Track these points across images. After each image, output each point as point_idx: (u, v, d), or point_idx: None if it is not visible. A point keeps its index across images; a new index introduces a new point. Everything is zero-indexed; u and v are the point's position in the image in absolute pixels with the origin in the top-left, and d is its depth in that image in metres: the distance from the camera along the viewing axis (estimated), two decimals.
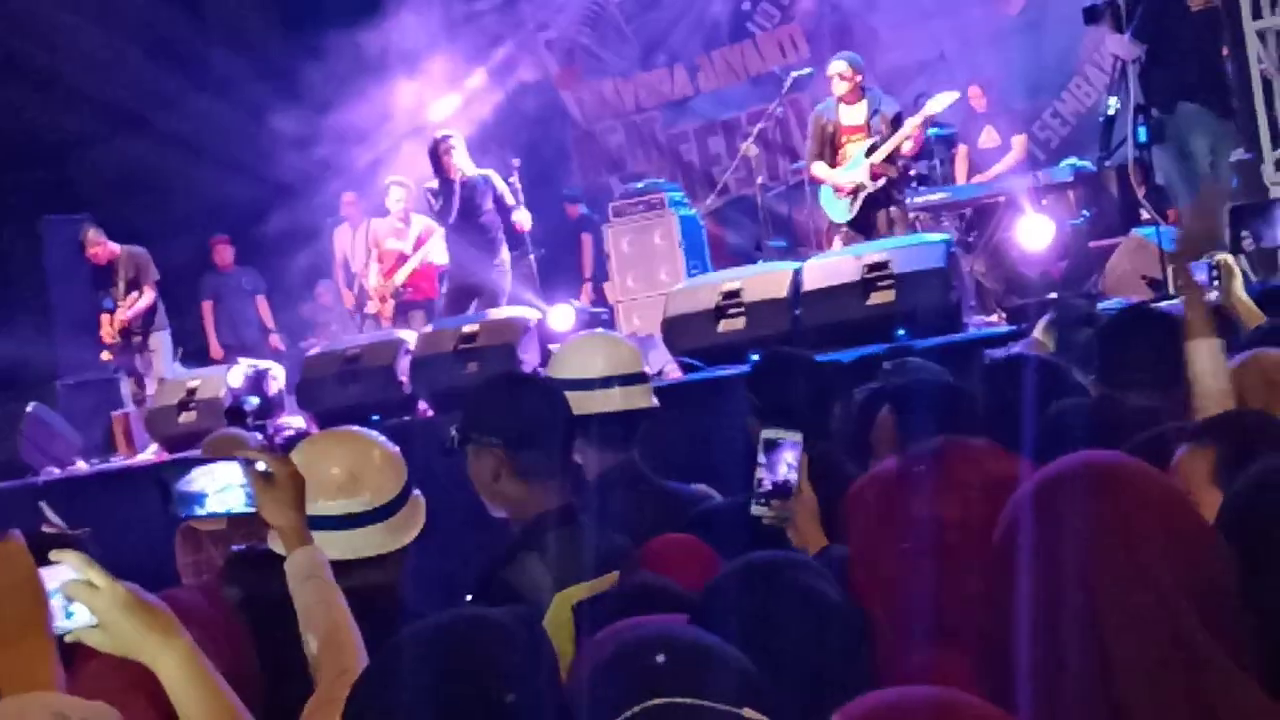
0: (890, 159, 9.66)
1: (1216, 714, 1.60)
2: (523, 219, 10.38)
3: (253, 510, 2.65)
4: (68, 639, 2.08)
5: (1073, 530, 1.70)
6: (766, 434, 3.14)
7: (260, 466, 2.65)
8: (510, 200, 10.38)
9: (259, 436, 4.66)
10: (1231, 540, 1.77)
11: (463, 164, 10.25)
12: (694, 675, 1.64)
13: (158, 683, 2.08)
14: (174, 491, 2.62)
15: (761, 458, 3.12)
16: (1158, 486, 1.76)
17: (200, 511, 2.69)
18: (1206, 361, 3.62)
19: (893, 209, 9.71)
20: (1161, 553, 1.67)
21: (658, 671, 1.64)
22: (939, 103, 10.02)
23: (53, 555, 2.09)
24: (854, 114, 9.81)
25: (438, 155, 10.31)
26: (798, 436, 3.13)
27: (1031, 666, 1.63)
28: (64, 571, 2.07)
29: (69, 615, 2.07)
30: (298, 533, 2.65)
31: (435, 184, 10.38)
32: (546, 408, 3.41)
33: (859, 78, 9.79)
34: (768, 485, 3.11)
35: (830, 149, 9.83)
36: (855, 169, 9.66)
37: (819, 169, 9.91)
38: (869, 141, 9.66)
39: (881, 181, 9.64)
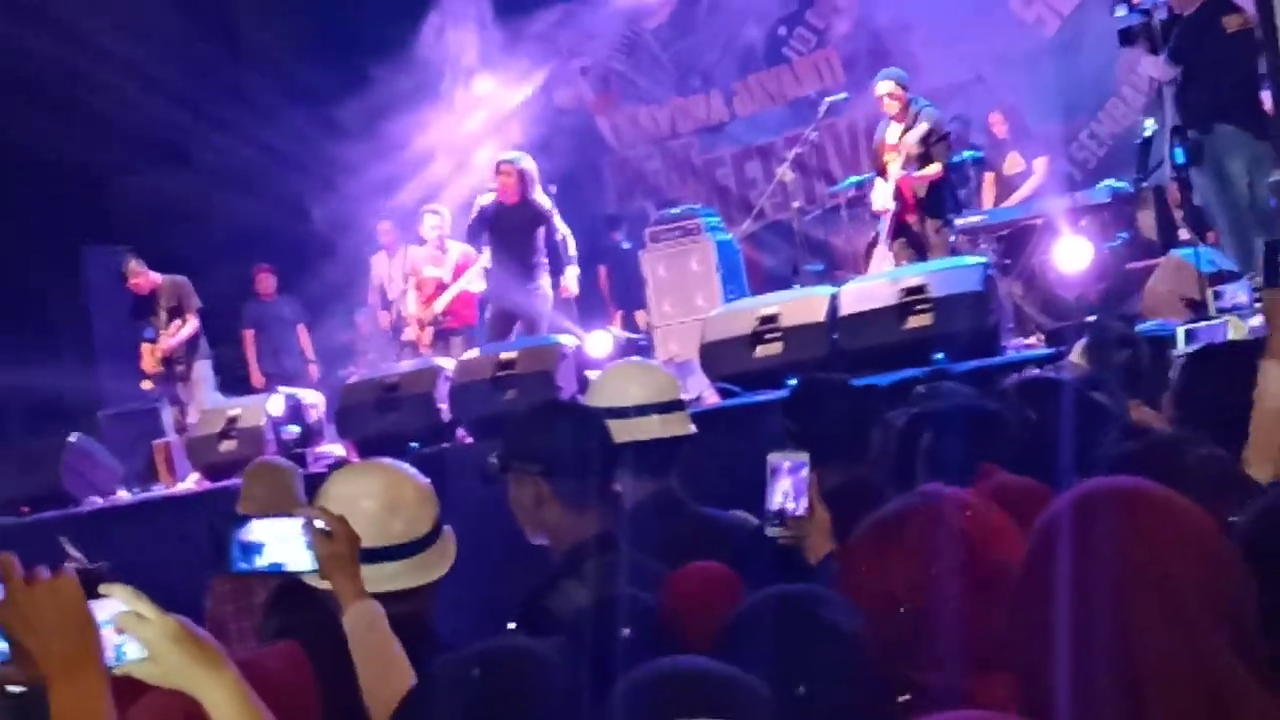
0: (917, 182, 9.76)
1: None
2: (569, 283, 10.45)
3: (313, 565, 2.70)
4: (116, 672, 2.08)
5: (1103, 561, 1.70)
6: (773, 456, 3.18)
7: (319, 524, 2.69)
8: (567, 236, 10.48)
9: (296, 466, 4.69)
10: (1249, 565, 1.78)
11: (513, 190, 10.31)
12: (709, 704, 1.65)
13: (205, 716, 2.09)
14: (234, 541, 2.65)
15: (770, 479, 3.15)
16: (1187, 514, 1.76)
17: (260, 563, 2.71)
18: (1275, 383, 3.59)
19: (933, 234, 9.76)
20: (1193, 584, 1.67)
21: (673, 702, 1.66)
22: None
23: (102, 589, 2.10)
24: (894, 131, 9.89)
25: (495, 176, 10.44)
26: (804, 456, 3.17)
27: (1068, 697, 1.63)
28: (113, 605, 2.08)
29: (119, 649, 2.08)
30: (354, 586, 2.71)
31: (485, 200, 10.49)
32: (587, 435, 3.43)
33: (905, 93, 9.88)
34: (778, 506, 3.14)
35: (876, 166, 10.08)
36: (885, 190, 9.78)
37: (874, 188, 10.15)
38: (899, 158, 9.78)
39: (907, 203, 9.75)
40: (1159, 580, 1.67)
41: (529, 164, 10.54)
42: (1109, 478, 1.87)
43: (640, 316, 12.72)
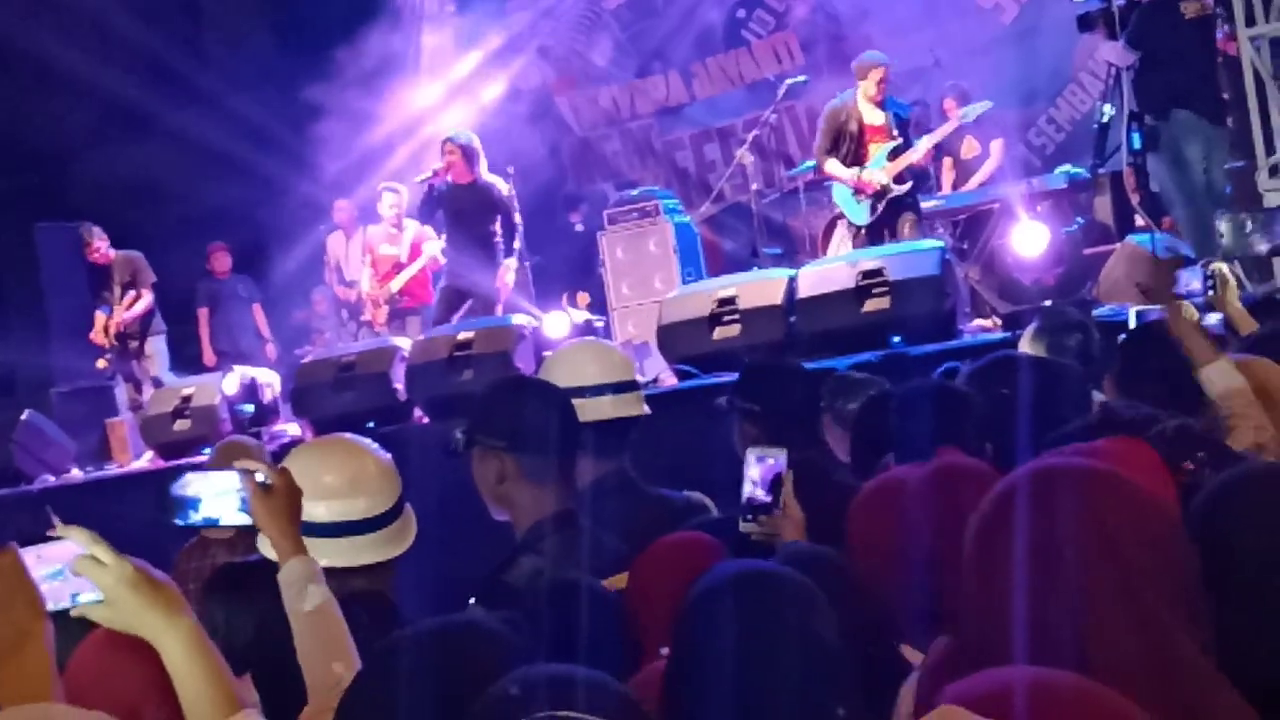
0: (909, 166, 9.69)
1: (1197, 717, 1.62)
2: (507, 276, 10.34)
3: (247, 519, 2.66)
4: (73, 614, 2.10)
5: (1059, 536, 1.71)
6: (752, 452, 3.20)
7: (260, 477, 2.66)
8: (516, 220, 10.38)
9: (263, 445, 4.69)
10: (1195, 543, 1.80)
11: (461, 169, 10.21)
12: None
13: (159, 659, 2.09)
14: (169, 495, 2.63)
15: (748, 476, 3.17)
16: (1141, 494, 1.78)
17: (195, 517, 2.69)
18: (1221, 383, 3.64)
19: (911, 214, 9.69)
20: (1148, 562, 1.69)
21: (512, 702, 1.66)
22: (974, 110, 10.09)
23: (59, 531, 2.11)
24: (877, 114, 9.78)
25: (441, 155, 10.33)
26: (782, 454, 3.19)
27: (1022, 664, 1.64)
28: (70, 548, 2.10)
29: (75, 593, 2.09)
30: (292, 543, 2.66)
31: (422, 178, 10.37)
32: (552, 413, 3.43)
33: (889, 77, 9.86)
34: (755, 502, 3.16)
35: (853, 146, 9.76)
36: (878, 169, 9.62)
37: (833, 165, 9.80)
38: (891, 144, 9.64)
39: (907, 185, 9.64)
40: (1115, 557, 1.69)
41: (474, 141, 10.43)
42: (1064, 455, 1.88)
43: (581, 298, 12.69)
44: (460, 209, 10.25)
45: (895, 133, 9.70)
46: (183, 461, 9.31)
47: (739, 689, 1.89)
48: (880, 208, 9.64)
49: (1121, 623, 1.65)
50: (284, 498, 2.67)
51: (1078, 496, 1.75)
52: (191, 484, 2.66)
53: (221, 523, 2.75)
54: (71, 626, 2.14)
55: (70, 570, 2.08)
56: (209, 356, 12.94)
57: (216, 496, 2.66)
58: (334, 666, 2.51)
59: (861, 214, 9.74)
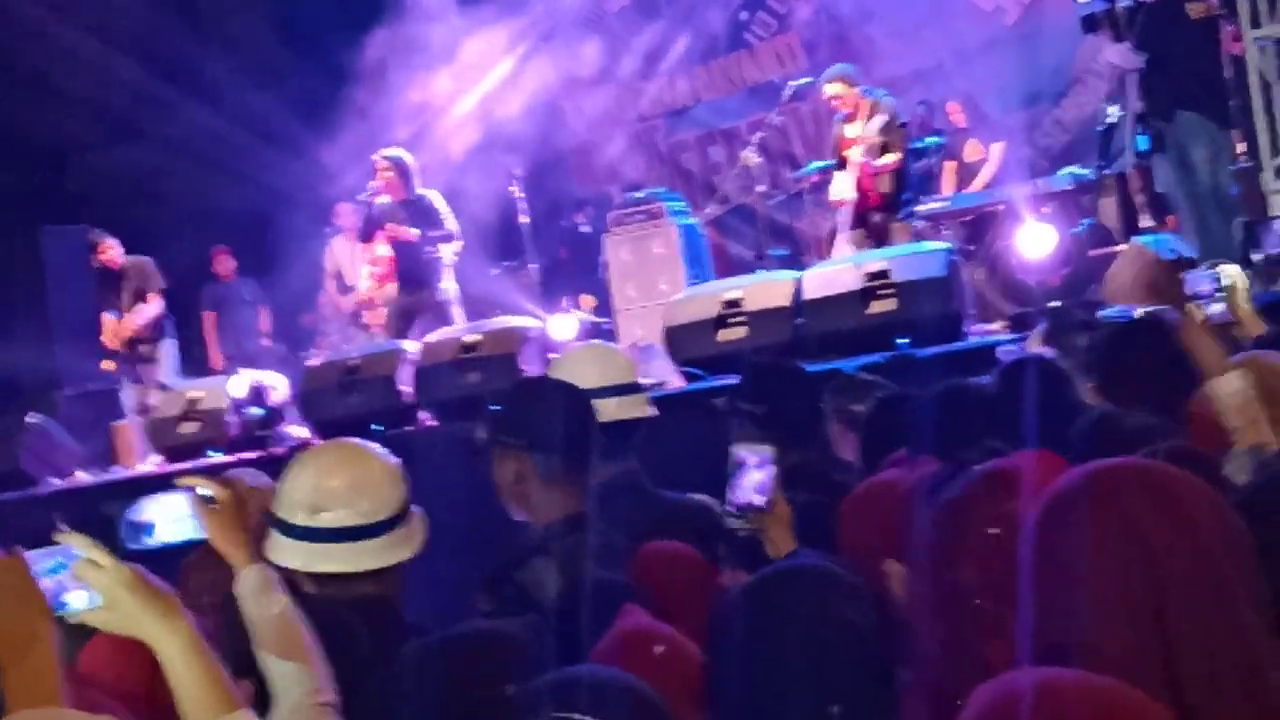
0: (874, 175, 9.72)
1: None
2: (446, 253, 10.33)
3: (203, 537, 2.68)
4: (71, 620, 2.12)
5: (1129, 536, 1.71)
6: (737, 449, 3.20)
7: (203, 492, 2.68)
8: (451, 225, 10.36)
9: (265, 478, 4.71)
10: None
11: (396, 186, 10.24)
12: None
13: (156, 663, 2.11)
14: (122, 522, 2.64)
15: (733, 472, 3.18)
16: (1203, 489, 1.78)
17: (150, 542, 2.71)
18: (1228, 397, 3.61)
19: (894, 224, 9.73)
20: (1224, 556, 1.70)
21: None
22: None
23: (58, 537, 2.14)
24: (852, 126, 9.84)
25: (375, 173, 10.37)
26: (768, 450, 3.19)
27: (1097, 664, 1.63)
28: (68, 553, 2.12)
29: (73, 598, 2.10)
30: (244, 552, 2.67)
31: (363, 198, 10.42)
32: (573, 414, 3.45)
33: (856, 89, 9.83)
34: (741, 499, 3.16)
35: (837, 158, 9.94)
36: (843, 182, 9.75)
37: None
38: (859, 151, 9.73)
39: (870, 195, 9.71)
40: (1194, 553, 1.69)
41: (407, 158, 10.48)
42: (1118, 458, 1.88)
43: (586, 300, 12.69)
44: (399, 226, 10.28)
45: (863, 138, 9.76)
46: (189, 464, 9.32)
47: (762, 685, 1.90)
48: (851, 219, 9.78)
49: (1206, 613, 1.66)
50: (230, 511, 2.69)
51: (1144, 489, 1.75)
52: (145, 510, 2.68)
53: (175, 546, 2.76)
54: (73, 628, 2.16)
55: (69, 575, 2.10)
56: (215, 359, 12.94)
57: (170, 520, 2.68)
58: (303, 673, 2.50)
59: (846, 222, 9.92)
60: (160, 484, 9.25)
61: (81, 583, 2.09)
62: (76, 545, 2.11)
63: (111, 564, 2.11)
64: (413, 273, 10.36)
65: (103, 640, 2.32)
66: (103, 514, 8.66)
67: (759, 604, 2.04)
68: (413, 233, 10.18)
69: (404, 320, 10.33)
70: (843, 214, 9.91)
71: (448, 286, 10.38)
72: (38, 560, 2.10)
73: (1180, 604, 1.67)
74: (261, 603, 2.58)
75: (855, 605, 2.03)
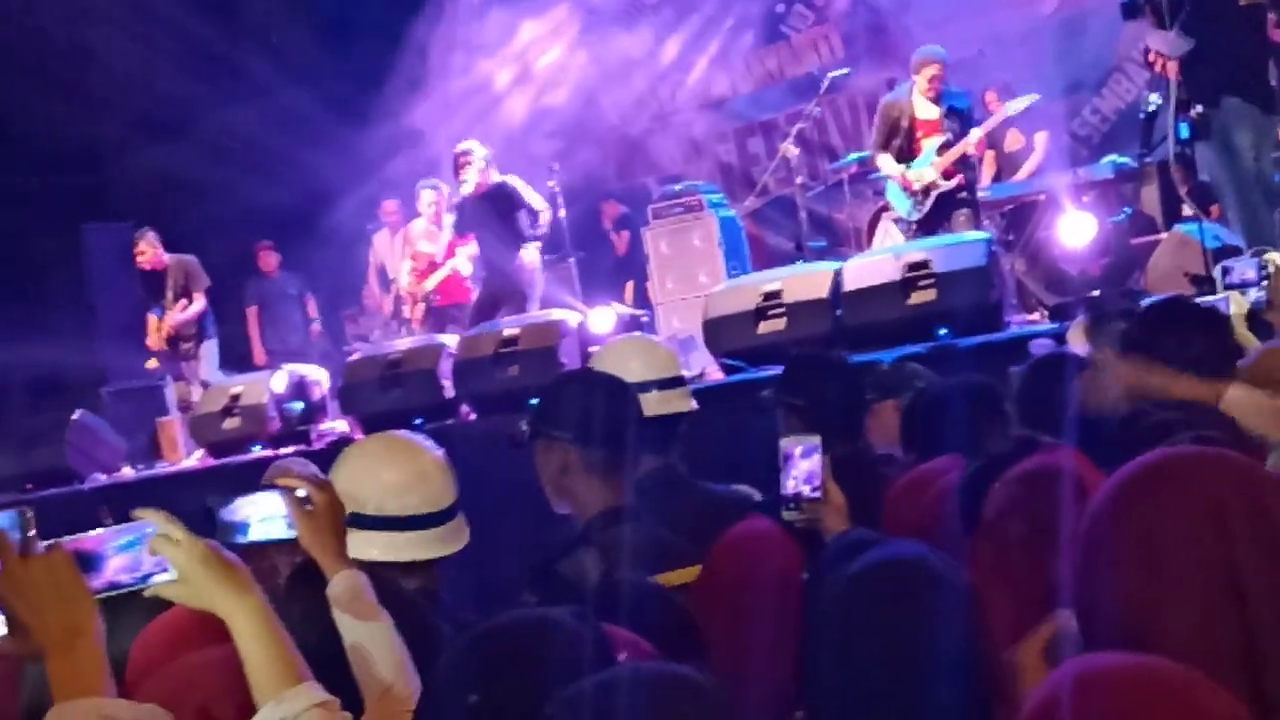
0: (963, 158, 9.64)
1: None
2: (529, 257, 10.46)
3: (292, 536, 2.69)
4: (148, 593, 2.18)
5: (1214, 523, 1.71)
6: (785, 441, 3.20)
7: (300, 493, 2.69)
8: (538, 204, 10.45)
9: (313, 467, 4.72)
10: None
11: (475, 177, 10.31)
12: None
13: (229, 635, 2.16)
14: (218, 520, 2.66)
15: (784, 464, 3.18)
16: (1265, 475, 1.79)
17: (243, 540, 2.72)
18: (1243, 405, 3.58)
19: (965, 210, 9.67)
20: None
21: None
22: (1020, 104, 10.04)
23: (136, 513, 2.19)
24: (930, 108, 9.76)
25: (455, 170, 10.43)
26: (816, 439, 3.19)
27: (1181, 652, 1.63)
28: (146, 528, 2.17)
29: (150, 570, 2.16)
30: (336, 558, 2.69)
31: (462, 193, 10.50)
32: (618, 407, 3.45)
33: (944, 73, 9.79)
34: (794, 489, 3.16)
35: (906, 141, 9.79)
36: (925, 166, 9.62)
37: (885, 161, 9.89)
38: (941, 139, 9.63)
39: (956, 180, 9.61)
40: (1271, 539, 1.69)
41: (481, 146, 10.58)
42: (1178, 447, 1.87)
43: (628, 289, 12.75)
44: (484, 217, 10.34)
45: (950, 126, 9.67)
46: (232, 460, 9.39)
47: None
48: (928, 204, 9.64)
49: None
50: (326, 514, 2.70)
51: (1218, 477, 1.75)
52: (239, 508, 2.69)
53: (269, 542, 2.78)
54: (137, 608, 2.23)
55: (146, 549, 2.15)
56: (259, 355, 13.01)
57: (264, 519, 2.69)
58: (386, 677, 2.53)
59: (910, 209, 9.74)
60: (203, 479, 9.35)
61: (158, 557, 2.15)
62: (153, 520, 2.17)
63: (187, 539, 2.16)
64: (495, 264, 10.45)
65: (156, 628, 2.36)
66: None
67: (864, 593, 2.05)
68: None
69: (490, 307, 10.39)
70: (912, 203, 9.75)
71: (533, 262, 10.49)
72: (115, 536, 2.15)
73: (1258, 588, 1.66)
74: (353, 608, 2.60)
75: (955, 595, 2.03)
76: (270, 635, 2.15)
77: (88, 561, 2.13)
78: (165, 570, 2.15)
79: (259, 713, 2.10)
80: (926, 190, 9.63)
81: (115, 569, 2.15)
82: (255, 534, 2.69)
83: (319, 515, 2.68)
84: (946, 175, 9.59)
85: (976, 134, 9.71)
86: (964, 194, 9.69)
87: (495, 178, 10.45)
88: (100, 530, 2.16)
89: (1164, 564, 1.70)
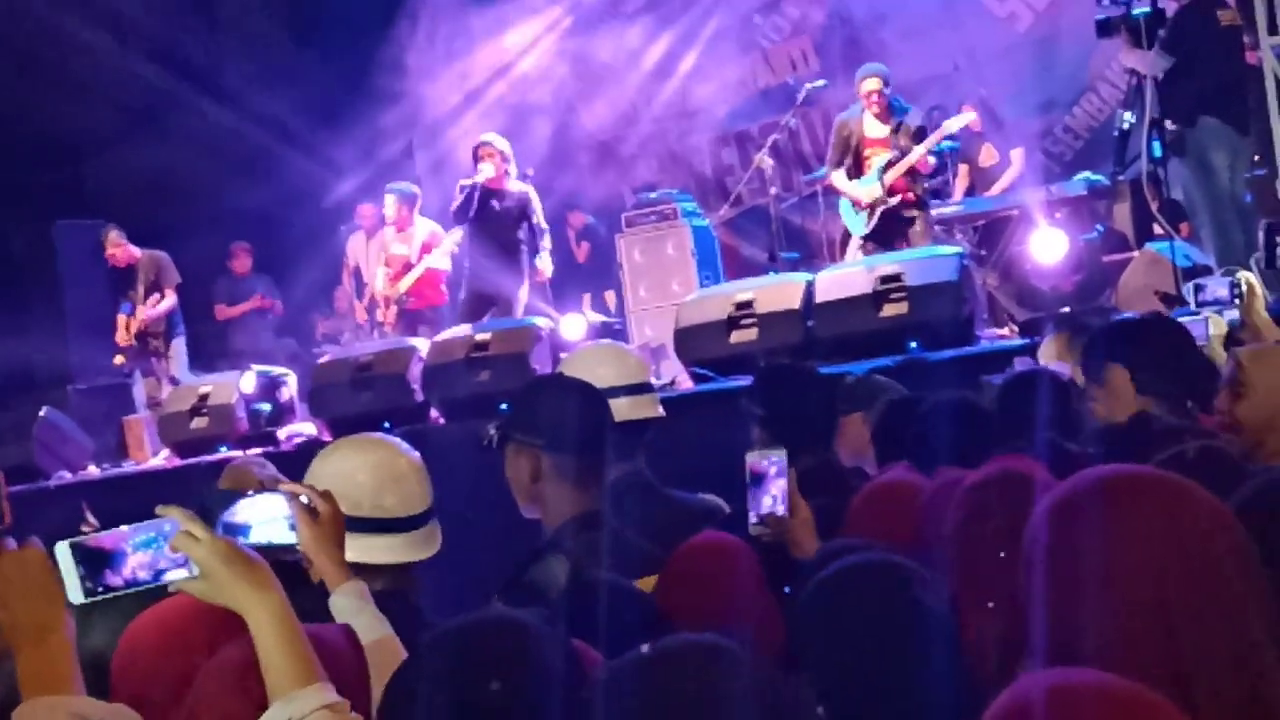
0: (911, 174, 9.70)
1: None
2: (544, 266, 10.42)
3: (293, 542, 2.69)
4: (170, 589, 2.18)
5: (1137, 543, 1.71)
6: (752, 456, 3.20)
7: (304, 500, 2.69)
8: (543, 225, 10.41)
9: (271, 468, 4.67)
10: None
11: (492, 170, 10.23)
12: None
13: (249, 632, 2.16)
14: (219, 523, 2.66)
15: (750, 480, 3.17)
16: (1209, 499, 1.79)
17: (245, 543, 2.72)
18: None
19: (916, 225, 9.74)
20: (1231, 566, 1.70)
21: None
22: (955, 122, 10.10)
23: (158, 510, 2.18)
24: (878, 126, 9.85)
25: (474, 158, 10.36)
26: (782, 453, 3.18)
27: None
28: (167, 525, 2.17)
29: (170, 568, 2.16)
30: (340, 568, 2.70)
31: (468, 182, 10.37)
32: (591, 413, 3.44)
33: (888, 90, 9.85)
34: (762, 505, 3.16)
35: (855, 159, 9.90)
36: (872, 184, 9.73)
37: (838, 179, 10.02)
38: (888, 155, 9.71)
39: (897, 199, 9.69)
40: (1202, 561, 1.69)
41: (507, 146, 10.48)
42: (1124, 465, 1.88)
43: (609, 297, 12.73)
44: (489, 213, 10.27)
45: (898, 143, 9.73)
46: (199, 460, 9.34)
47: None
48: (874, 221, 9.73)
49: (1211, 622, 1.67)
50: (330, 523, 2.71)
51: (1151, 497, 1.76)
52: (241, 511, 2.69)
53: (271, 546, 2.77)
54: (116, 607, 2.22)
55: (167, 546, 2.15)
56: (227, 354, 12.93)
57: (265, 522, 2.69)
58: None
59: (860, 225, 9.90)
60: (169, 478, 9.31)
61: (177, 554, 2.14)
62: (175, 517, 2.16)
63: (208, 536, 2.16)
64: (488, 263, 10.39)
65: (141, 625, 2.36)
66: (111, 507, 8.70)
67: (840, 596, 2.05)
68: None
69: (480, 306, 10.33)
70: (861, 216, 9.85)
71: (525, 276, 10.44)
72: (135, 533, 2.15)
73: (1186, 614, 1.67)
74: (357, 622, 2.59)
75: (933, 593, 2.04)
76: (289, 633, 2.15)
77: (107, 559, 2.12)
78: (184, 567, 2.15)
79: (268, 710, 2.10)
80: (872, 207, 9.73)
81: (135, 566, 2.14)
82: (257, 536, 2.69)
83: (324, 524, 2.69)
84: (891, 191, 9.68)
85: (919, 151, 9.76)
86: (913, 210, 9.77)
87: (515, 184, 10.38)
88: (120, 527, 2.16)
89: (1093, 580, 1.71)
